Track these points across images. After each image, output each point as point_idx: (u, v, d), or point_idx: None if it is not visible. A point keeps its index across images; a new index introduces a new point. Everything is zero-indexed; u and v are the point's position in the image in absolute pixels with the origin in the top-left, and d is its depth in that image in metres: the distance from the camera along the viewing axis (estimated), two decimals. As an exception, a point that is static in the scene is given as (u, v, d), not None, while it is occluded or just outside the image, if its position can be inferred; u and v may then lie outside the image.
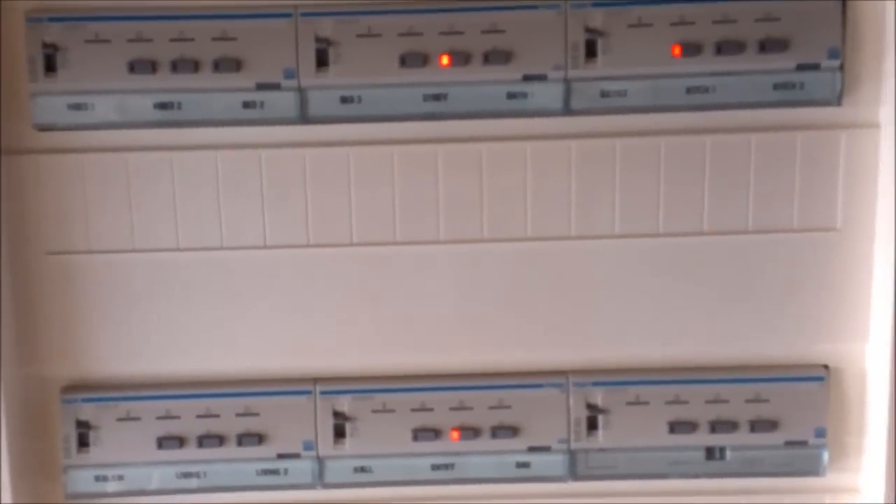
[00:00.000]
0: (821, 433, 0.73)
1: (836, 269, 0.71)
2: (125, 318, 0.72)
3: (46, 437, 0.74)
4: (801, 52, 0.67)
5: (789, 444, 0.73)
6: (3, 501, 0.71)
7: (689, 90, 0.68)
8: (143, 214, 0.71)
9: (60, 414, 0.73)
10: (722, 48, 0.67)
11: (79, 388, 0.73)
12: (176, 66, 0.68)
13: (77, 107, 0.69)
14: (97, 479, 0.74)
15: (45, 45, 0.68)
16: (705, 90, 0.68)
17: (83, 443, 0.73)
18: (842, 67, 0.67)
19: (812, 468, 0.73)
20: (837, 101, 0.68)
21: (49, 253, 0.71)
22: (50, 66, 0.68)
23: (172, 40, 0.68)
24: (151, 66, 0.68)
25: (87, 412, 0.73)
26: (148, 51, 0.68)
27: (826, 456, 0.73)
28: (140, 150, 0.70)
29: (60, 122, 0.69)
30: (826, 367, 0.73)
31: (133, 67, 0.68)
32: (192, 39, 0.68)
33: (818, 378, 0.72)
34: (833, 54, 0.67)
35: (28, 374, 0.73)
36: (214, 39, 0.68)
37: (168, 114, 0.69)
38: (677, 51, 0.67)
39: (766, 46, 0.67)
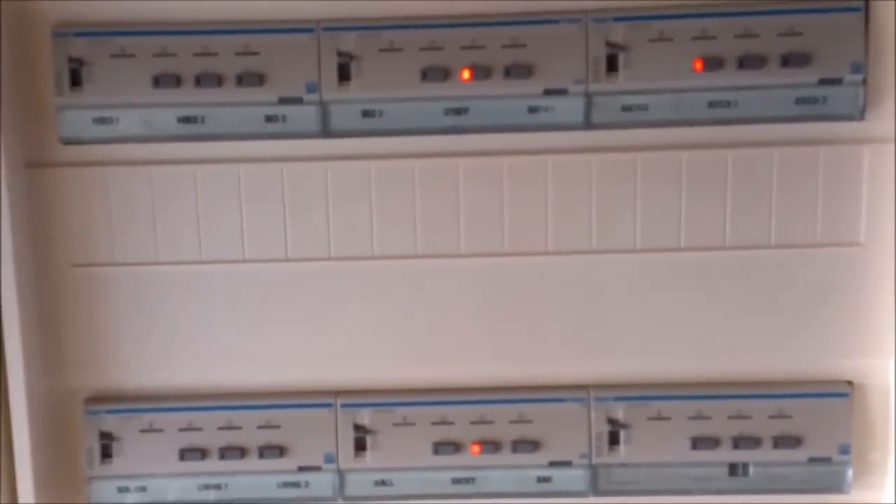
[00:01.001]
0: (845, 450, 0.72)
1: (859, 285, 0.70)
2: (148, 330, 0.73)
3: (70, 448, 0.74)
4: (823, 66, 0.67)
5: (813, 460, 0.72)
6: (27, 512, 0.72)
7: (710, 104, 0.68)
8: (166, 227, 0.72)
9: (84, 425, 0.73)
10: (744, 62, 0.67)
11: (102, 400, 0.74)
12: (200, 81, 0.69)
13: (102, 120, 0.70)
14: (120, 490, 0.74)
15: (70, 60, 0.69)
16: (727, 104, 0.68)
17: (106, 454, 0.74)
18: (864, 82, 0.67)
19: (836, 485, 0.73)
20: (860, 115, 0.68)
21: (74, 265, 0.72)
22: (75, 81, 0.69)
23: (196, 55, 0.69)
24: (176, 81, 0.69)
25: (111, 423, 0.73)
26: (172, 65, 0.69)
27: (850, 473, 0.72)
28: (164, 163, 0.71)
29: (86, 135, 0.70)
30: (850, 382, 0.72)
31: (157, 82, 0.69)
32: (216, 54, 0.69)
33: (842, 394, 0.72)
34: (856, 69, 0.67)
35: (52, 385, 0.73)
36: (238, 54, 0.69)
37: (192, 128, 0.69)
38: (699, 65, 0.67)
39: (788, 61, 0.67)
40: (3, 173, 0.68)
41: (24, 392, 0.70)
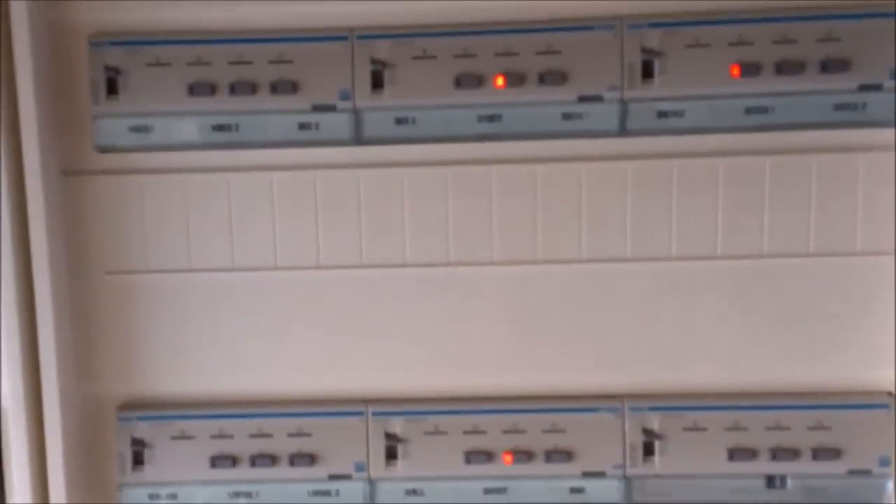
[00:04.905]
0: (885, 462, 0.71)
1: (900, 294, 0.70)
2: (181, 337, 0.73)
3: (102, 454, 0.75)
4: (862, 72, 0.66)
5: (852, 472, 0.71)
6: (60, 518, 0.72)
7: (748, 111, 0.67)
8: (199, 235, 0.72)
9: (116, 432, 0.74)
10: (782, 68, 0.66)
11: (134, 407, 0.74)
12: (234, 89, 0.69)
13: (137, 129, 0.70)
14: (151, 496, 0.74)
15: (106, 69, 0.69)
16: (764, 111, 0.67)
17: (138, 461, 0.74)
18: (905, 88, 0.66)
19: (876, 498, 0.72)
20: (901, 122, 0.67)
21: (108, 272, 0.72)
22: (111, 89, 0.69)
23: (231, 63, 0.69)
24: (210, 89, 0.69)
25: (143, 430, 0.73)
26: (206, 73, 0.69)
27: (891, 485, 0.71)
28: (197, 171, 0.71)
29: (121, 143, 0.70)
30: (891, 393, 0.71)
31: (192, 90, 0.69)
32: (250, 62, 0.69)
33: (883, 405, 0.71)
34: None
35: (85, 391, 0.74)
36: (271, 62, 0.69)
37: (225, 135, 0.70)
38: (736, 71, 0.67)
39: (826, 66, 0.66)
40: (40, 181, 0.68)
41: (57, 398, 0.71)
